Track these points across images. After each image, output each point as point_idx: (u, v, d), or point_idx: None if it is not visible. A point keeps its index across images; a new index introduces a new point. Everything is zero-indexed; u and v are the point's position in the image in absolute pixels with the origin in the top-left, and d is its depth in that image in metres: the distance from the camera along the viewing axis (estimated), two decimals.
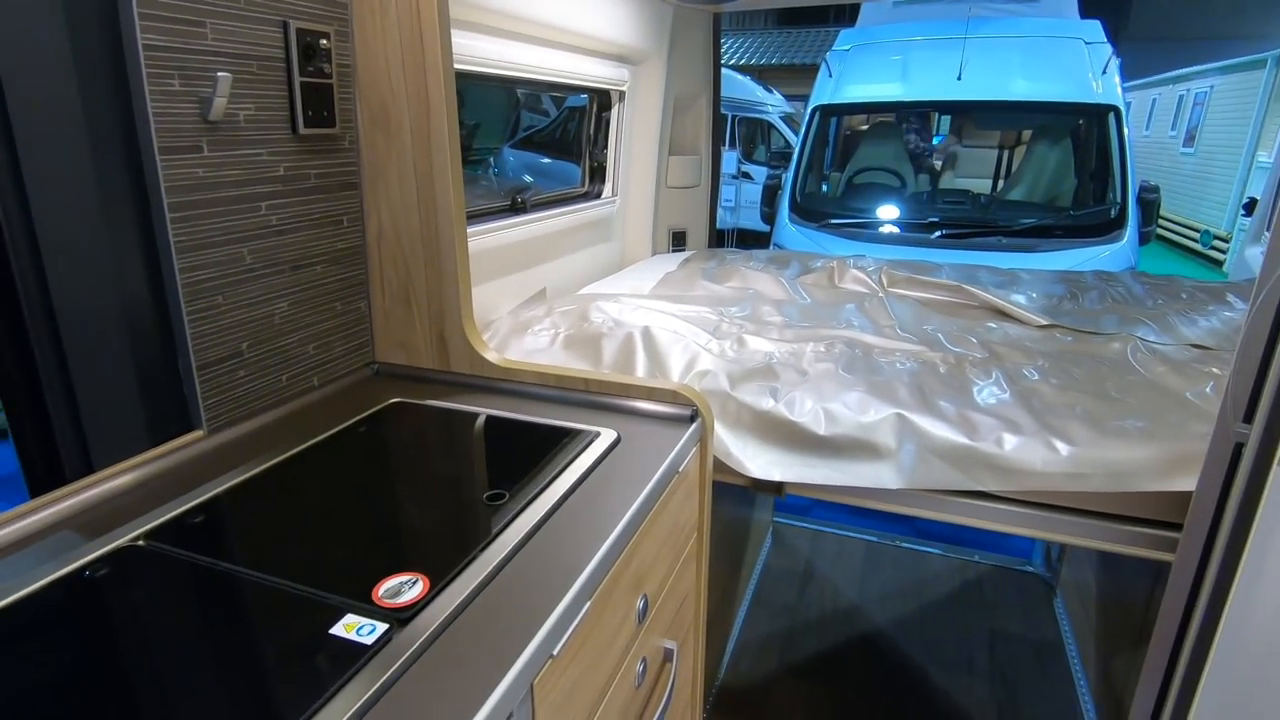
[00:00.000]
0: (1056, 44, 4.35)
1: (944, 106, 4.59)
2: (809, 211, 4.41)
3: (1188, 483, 1.10)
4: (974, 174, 5.56)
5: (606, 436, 1.06)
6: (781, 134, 8.33)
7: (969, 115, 4.79)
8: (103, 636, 0.67)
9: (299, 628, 0.66)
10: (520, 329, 1.61)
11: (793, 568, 2.52)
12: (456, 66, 1.19)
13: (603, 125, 2.28)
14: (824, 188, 4.90)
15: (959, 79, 4.37)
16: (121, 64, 0.87)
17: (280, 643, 0.65)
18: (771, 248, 4.42)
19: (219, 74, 0.93)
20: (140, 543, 0.81)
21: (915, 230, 4.09)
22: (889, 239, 4.05)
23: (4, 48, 0.77)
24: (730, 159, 7.71)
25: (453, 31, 1.16)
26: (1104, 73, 4.24)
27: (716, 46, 2.55)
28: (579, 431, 1.08)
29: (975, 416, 1.27)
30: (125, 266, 0.93)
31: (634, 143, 2.38)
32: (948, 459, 1.24)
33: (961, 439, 1.23)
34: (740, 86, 8.25)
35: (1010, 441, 1.21)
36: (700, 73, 2.54)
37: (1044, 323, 1.75)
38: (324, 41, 1.08)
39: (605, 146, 2.31)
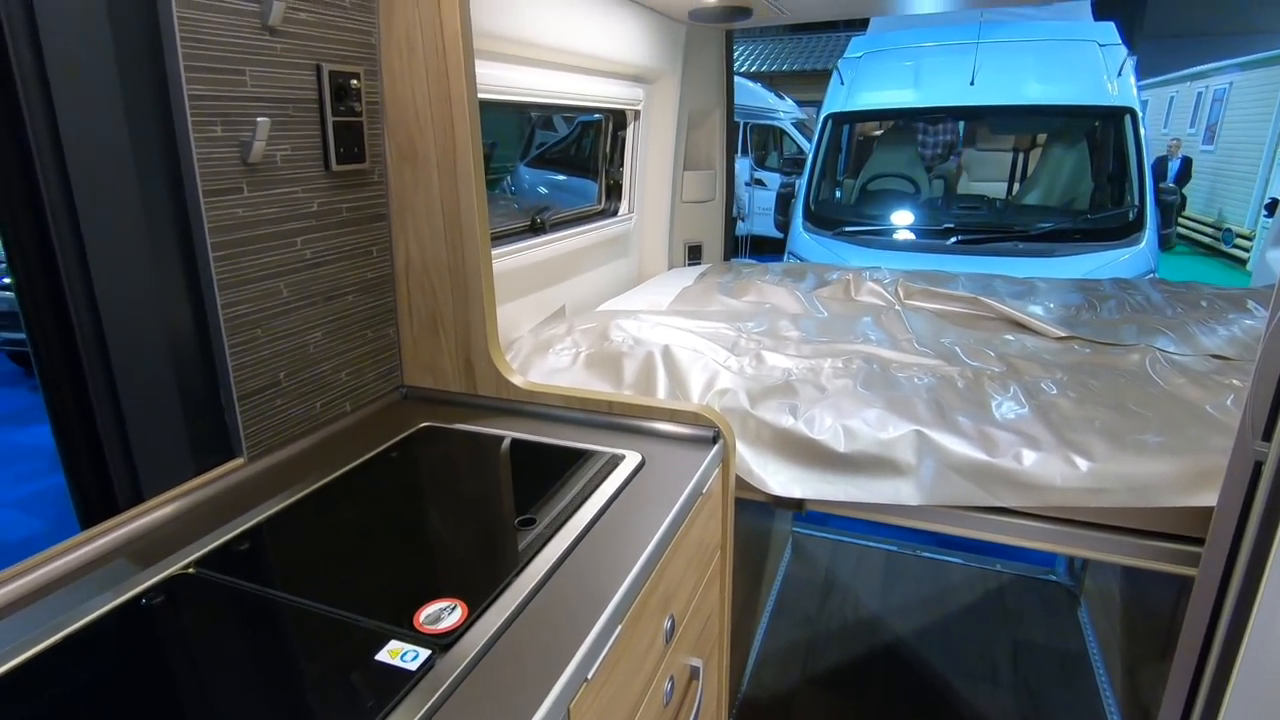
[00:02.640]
0: (1070, 47, 4.33)
1: (957, 112, 4.58)
2: (823, 219, 4.41)
3: (1209, 498, 1.10)
4: (989, 177, 5.54)
5: (631, 459, 1.09)
6: (794, 140, 8.34)
7: (983, 120, 4.78)
8: (160, 663, 0.71)
9: (345, 653, 0.70)
10: (542, 348, 1.64)
11: (813, 578, 2.53)
12: (479, 96, 1.23)
13: (618, 143, 2.31)
14: (838, 195, 4.90)
15: (972, 84, 4.37)
16: (168, 112, 0.91)
17: (328, 668, 0.68)
18: (786, 256, 4.43)
19: (258, 119, 0.98)
20: (190, 570, 0.84)
21: (931, 236, 4.09)
22: (905, 246, 4.05)
23: (63, 98, 0.82)
24: (743, 166, 7.73)
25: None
26: (1119, 75, 4.22)
27: (729, 62, 2.58)
28: (604, 454, 1.11)
29: (994, 432, 1.28)
30: (171, 302, 0.97)
31: (649, 159, 2.42)
32: (967, 475, 1.25)
33: (980, 455, 1.25)
34: (752, 94, 8.28)
35: (1029, 457, 1.22)
36: (713, 88, 2.57)
37: (1061, 334, 1.76)
38: (354, 81, 1.13)
39: (621, 164, 2.35)
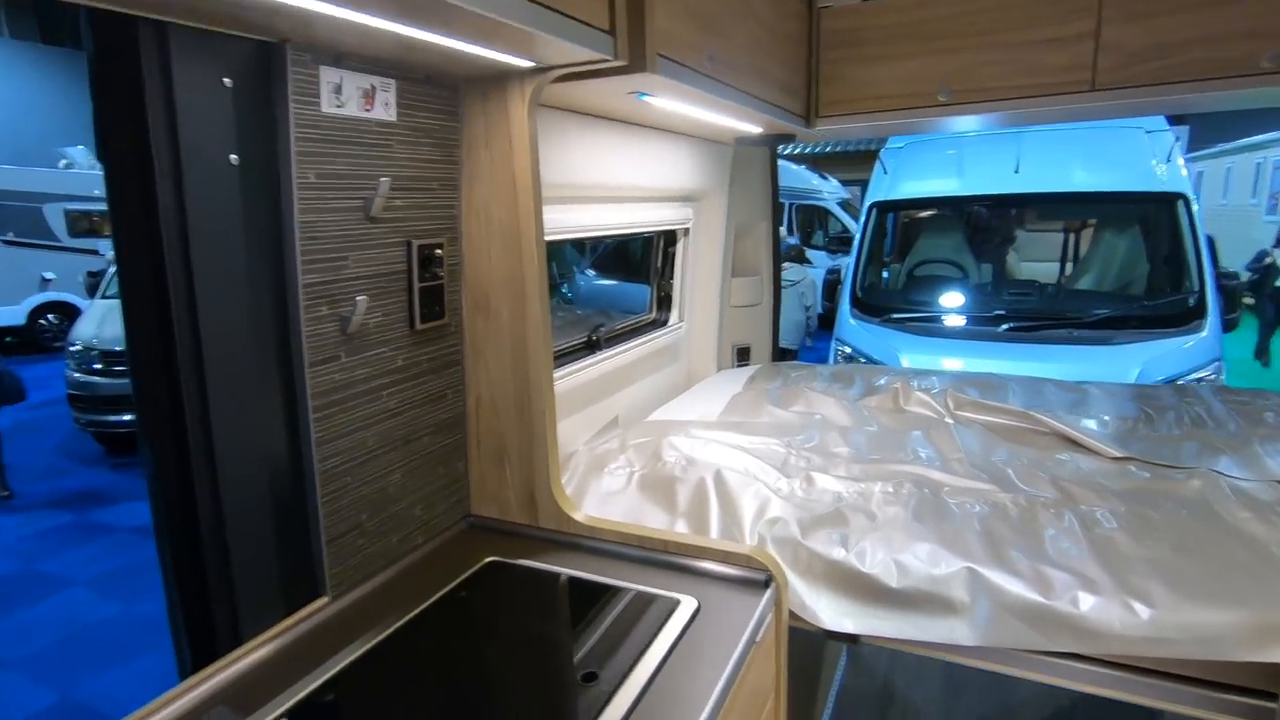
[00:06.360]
0: (1116, 133, 4.35)
1: (1003, 200, 4.60)
2: (871, 306, 4.44)
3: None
4: (1039, 258, 5.50)
5: (687, 606, 1.14)
6: (839, 219, 8.47)
7: (1030, 207, 4.79)
8: None
9: None
10: (597, 466, 1.71)
11: (870, 688, 2.46)
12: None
13: (669, 258, 2.44)
14: (885, 282, 4.93)
15: (1016, 172, 4.41)
16: (284, 297, 1.05)
17: None
18: (834, 343, 4.46)
19: (358, 298, 1.11)
20: None
21: (981, 323, 4.06)
22: (954, 333, 4.03)
23: (203, 286, 0.96)
24: (788, 245, 7.87)
25: None
26: (1168, 160, 4.21)
27: (774, 176, 2.72)
28: (662, 599, 1.16)
29: (1049, 572, 1.28)
30: (276, 456, 1.09)
31: (698, 270, 2.53)
32: (1023, 617, 1.25)
33: (1036, 597, 1.25)
34: (796, 175, 8.50)
35: (1087, 601, 1.22)
36: (759, 201, 2.70)
37: (1118, 455, 1.74)
38: (438, 250, 1.27)
39: (671, 276, 2.47)
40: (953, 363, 3.62)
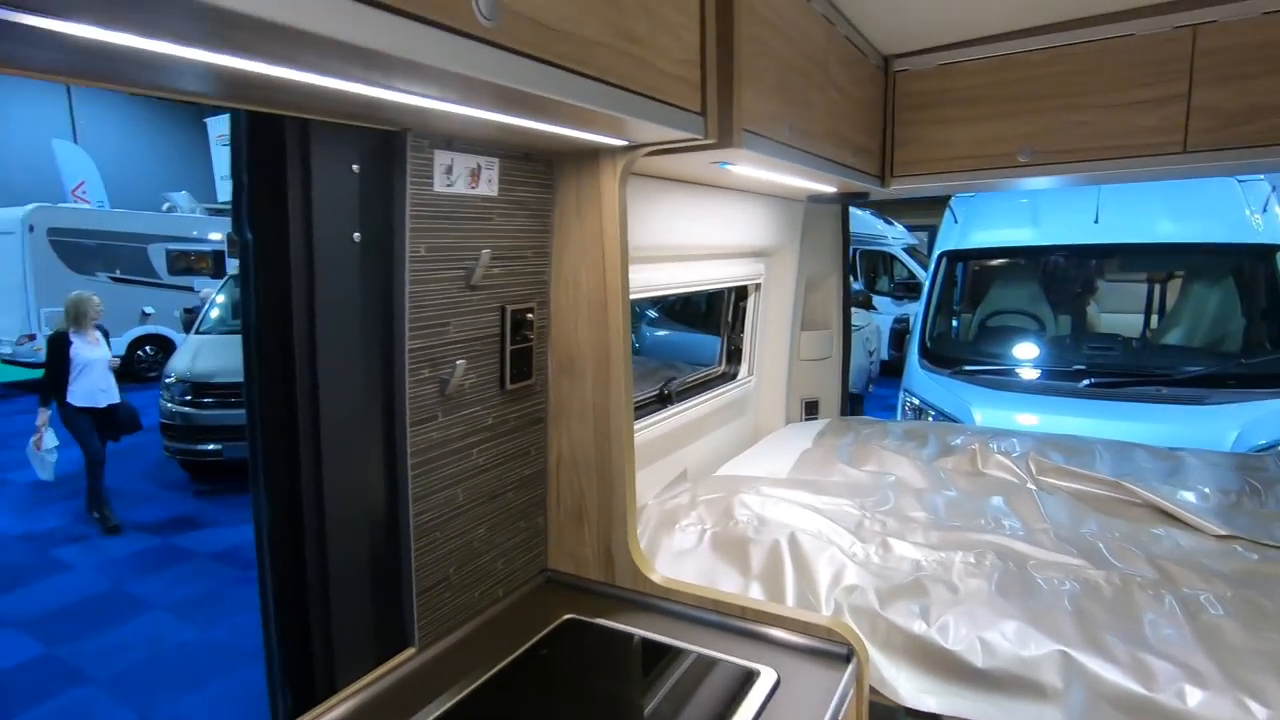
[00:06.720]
0: (1205, 181, 4.16)
1: (1082, 251, 4.44)
2: (941, 357, 4.34)
3: None
4: (1121, 309, 5.26)
5: (767, 677, 1.13)
6: (904, 264, 8.35)
7: (1111, 258, 4.61)
8: None
9: None
10: (668, 522, 1.72)
11: None
12: None
13: (739, 312, 2.46)
14: (955, 332, 4.80)
15: (1096, 222, 4.27)
16: (391, 361, 1.12)
17: None
18: (901, 393, 4.36)
19: (457, 362, 1.18)
20: None
21: (1059, 378, 3.90)
22: (1030, 387, 3.88)
23: (324, 352, 1.03)
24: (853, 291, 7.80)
25: None
26: (1265, 209, 4.02)
27: (846, 232, 2.73)
28: (741, 669, 1.15)
29: (1150, 660, 1.21)
30: (376, 510, 1.15)
31: (768, 324, 2.54)
32: (1122, 708, 1.19)
33: (1136, 687, 1.18)
34: (861, 221, 8.46)
35: (1194, 696, 1.15)
36: (830, 255, 2.71)
37: (1221, 532, 1.65)
38: (529, 314, 1.33)
39: (741, 330, 2.49)
40: (1028, 418, 3.48)
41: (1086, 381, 3.78)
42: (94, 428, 5.09)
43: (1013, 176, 2.00)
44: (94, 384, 5.03)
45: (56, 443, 5.05)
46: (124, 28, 0.55)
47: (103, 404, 5.09)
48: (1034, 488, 1.95)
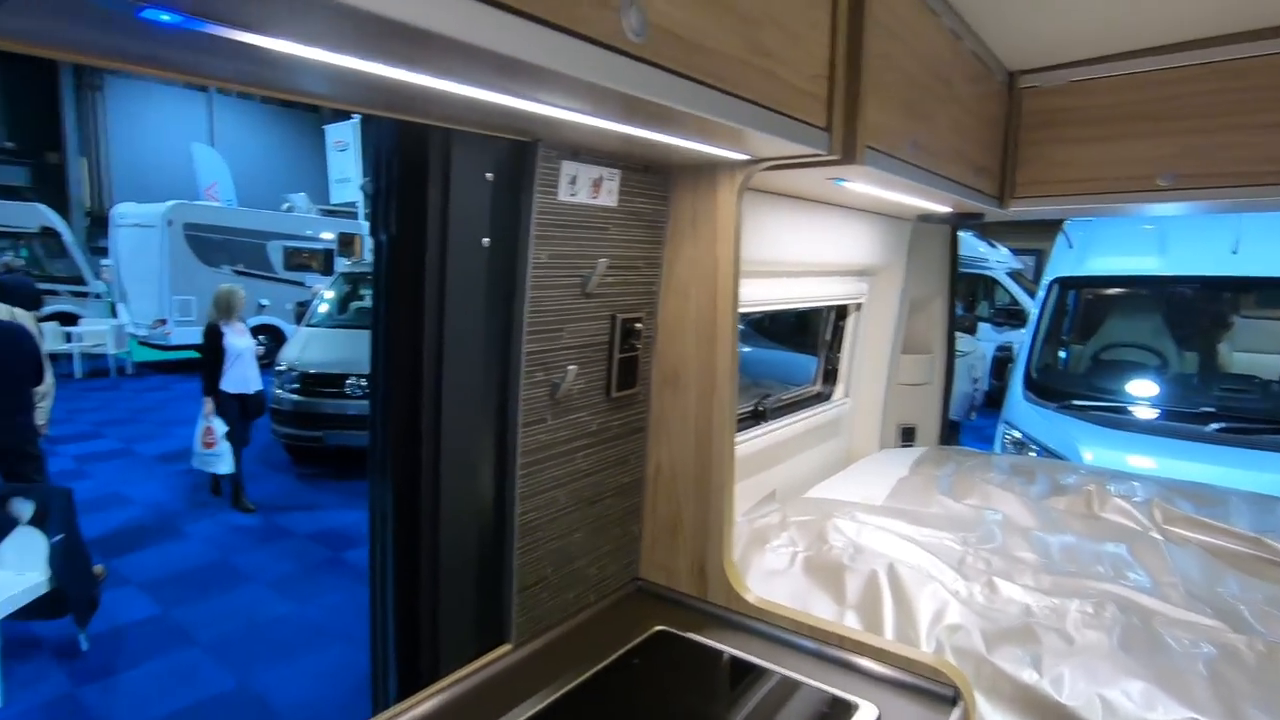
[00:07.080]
0: None
1: (1216, 283, 4.08)
2: (1047, 389, 4.09)
3: None
4: (1257, 348, 4.80)
5: (867, 712, 1.09)
6: (1008, 290, 7.94)
7: (1248, 292, 4.22)
8: None
9: None
10: (758, 541, 1.69)
11: None
12: None
13: (838, 332, 2.41)
14: (1063, 361, 4.50)
15: (1234, 253, 3.92)
16: (507, 363, 1.16)
17: None
18: (1001, 425, 4.14)
19: (569, 367, 1.20)
20: None
21: (1183, 420, 3.59)
22: (1149, 428, 3.59)
23: (450, 356, 1.08)
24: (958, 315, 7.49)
25: None
26: None
27: (954, 254, 2.62)
28: (839, 701, 1.11)
29: None
30: (485, 507, 1.19)
31: (867, 345, 2.47)
32: None
33: None
34: (963, 243, 8.11)
35: None
36: (936, 277, 2.61)
37: None
38: (638, 324, 1.34)
39: (839, 350, 2.43)
40: (1145, 461, 3.23)
41: (1216, 425, 3.47)
42: (240, 413, 5.47)
43: (1150, 201, 1.87)
44: (244, 372, 5.40)
45: (226, 428, 5.24)
46: (326, 45, 0.60)
47: (251, 390, 5.47)
48: (1160, 537, 1.80)
